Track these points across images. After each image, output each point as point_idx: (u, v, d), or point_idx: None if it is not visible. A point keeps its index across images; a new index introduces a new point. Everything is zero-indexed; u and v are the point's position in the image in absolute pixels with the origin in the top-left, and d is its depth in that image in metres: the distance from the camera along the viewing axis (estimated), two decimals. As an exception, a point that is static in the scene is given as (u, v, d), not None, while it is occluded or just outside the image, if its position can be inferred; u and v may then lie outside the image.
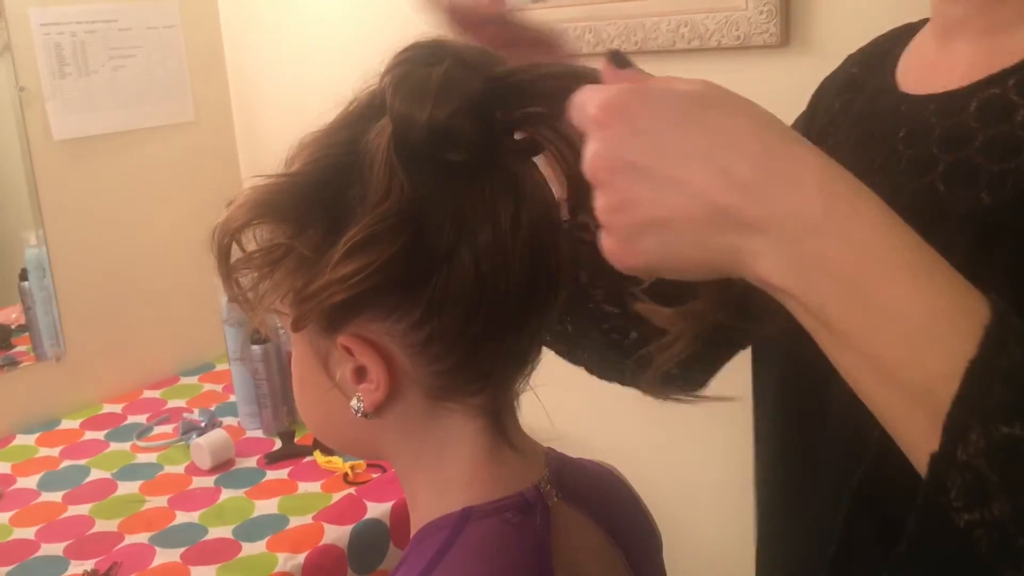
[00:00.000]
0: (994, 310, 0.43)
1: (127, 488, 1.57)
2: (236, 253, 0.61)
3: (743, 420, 0.84)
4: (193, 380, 2.03)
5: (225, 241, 0.59)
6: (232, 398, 1.88)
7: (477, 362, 0.56)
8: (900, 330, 0.43)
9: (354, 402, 0.60)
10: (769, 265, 0.45)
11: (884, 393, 0.45)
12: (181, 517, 1.47)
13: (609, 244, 0.49)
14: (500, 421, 0.62)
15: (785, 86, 1.32)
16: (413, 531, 0.63)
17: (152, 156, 2.00)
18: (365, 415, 0.60)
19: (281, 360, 1.74)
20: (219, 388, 1.98)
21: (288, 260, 0.58)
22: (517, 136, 0.58)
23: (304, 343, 0.62)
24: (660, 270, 0.50)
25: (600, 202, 0.49)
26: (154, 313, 2.02)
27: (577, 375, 0.89)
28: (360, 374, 0.60)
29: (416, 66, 0.56)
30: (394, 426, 0.62)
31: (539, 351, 0.63)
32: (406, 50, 0.58)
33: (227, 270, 0.60)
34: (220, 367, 2.06)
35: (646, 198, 0.47)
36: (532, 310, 0.59)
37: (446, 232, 0.56)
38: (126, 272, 1.97)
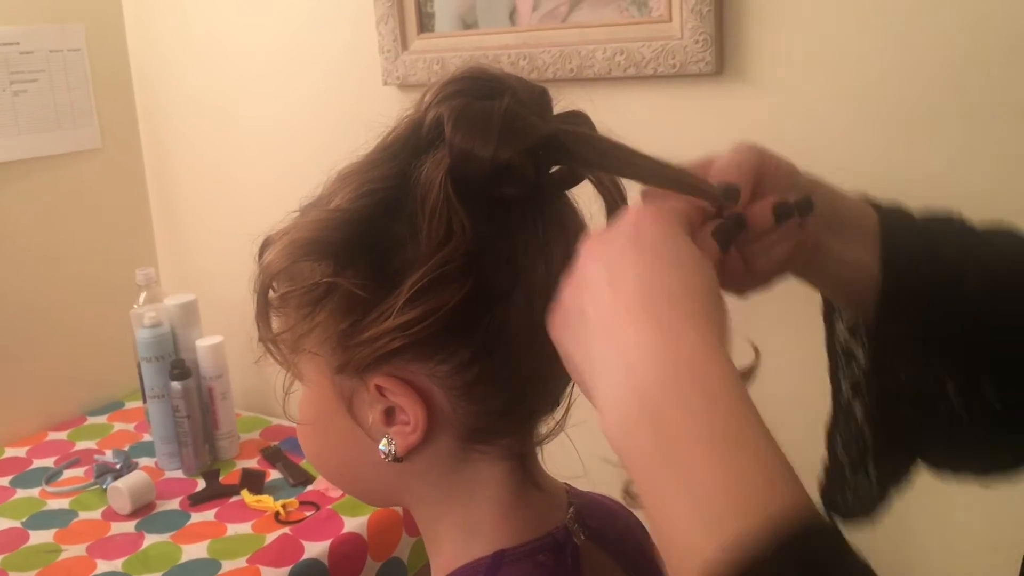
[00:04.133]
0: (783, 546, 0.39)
1: (40, 537, 1.47)
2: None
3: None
4: (101, 420, 1.93)
5: (267, 283, 0.57)
6: (146, 437, 1.79)
7: (523, 403, 0.55)
8: (692, 500, 0.41)
9: (383, 444, 0.57)
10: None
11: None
12: (103, 566, 1.38)
13: None
14: (526, 462, 0.61)
15: (719, 112, 1.36)
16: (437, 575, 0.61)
17: (56, 185, 1.90)
18: (397, 459, 0.57)
19: (202, 396, 1.67)
20: (131, 427, 1.88)
21: (330, 300, 0.55)
22: (554, 169, 0.58)
23: (324, 384, 0.59)
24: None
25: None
26: (57, 350, 1.91)
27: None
28: (390, 415, 0.57)
29: (473, 99, 0.54)
30: (421, 469, 0.59)
31: (570, 391, 0.62)
32: (456, 80, 0.56)
33: (264, 311, 0.58)
34: (130, 405, 1.96)
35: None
36: None
37: (503, 271, 0.54)
38: (26, 307, 1.86)
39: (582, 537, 0.62)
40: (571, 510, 0.63)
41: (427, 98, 0.56)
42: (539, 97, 0.57)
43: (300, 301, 0.56)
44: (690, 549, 0.40)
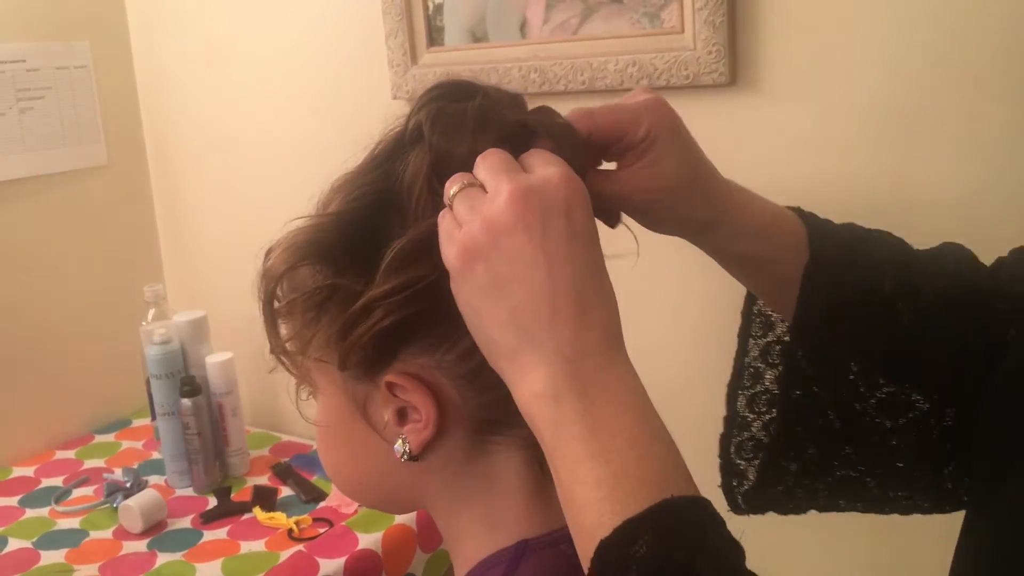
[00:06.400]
0: (657, 507, 0.47)
1: (51, 557, 1.45)
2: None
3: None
4: (109, 438, 1.92)
5: (271, 288, 0.58)
6: (156, 455, 1.78)
7: None
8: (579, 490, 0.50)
9: (399, 445, 0.59)
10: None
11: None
12: (116, 586, 1.37)
13: None
14: (540, 452, 0.61)
15: (733, 122, 1.35)
16: (460, 571, 0.62)
17: (62, 202, 1.89)
18: (412, 458, 0.59)
19: (213, 413, 1.66)
20: (139, 445, 1.87)
21: (332, 303, 0.57)
22: None
23: (337, 392, 0.61)
24: None
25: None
26: (63, 368, 1.90)
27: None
28: (403, 415, 0.59)
29: (449, 102, 0.58)
30: (438, 467, 0.61)
31: None
32: (434, 88, 0.60)
33: (272, 318, 0.60)
34: (138, 423, 1.95)
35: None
36: None
37: None
38: (33, 326, 1.85)
39: None
40: None
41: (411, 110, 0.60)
42: (513, 98, 0.61)
43: (305, 306, 0.58)
44: (596, 522, 0.47)
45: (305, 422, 0.66)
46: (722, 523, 0.49)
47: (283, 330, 0.61)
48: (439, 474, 0.61)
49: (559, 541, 0.60)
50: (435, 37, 1.55)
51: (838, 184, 1.29)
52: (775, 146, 1.32)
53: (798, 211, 0.72)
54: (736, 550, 0.48)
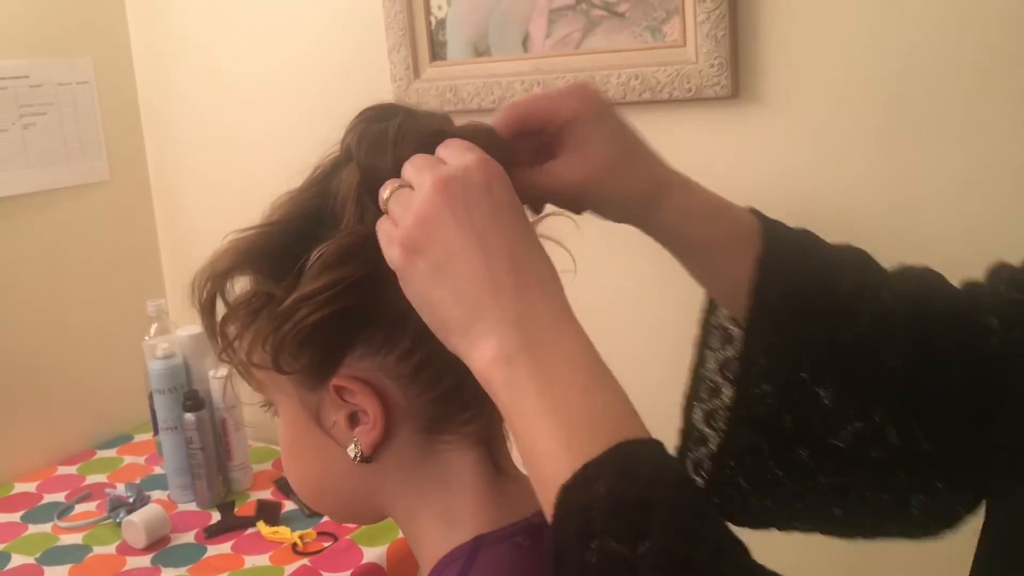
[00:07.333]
0: (613, 449, 0.49)
1: (55, 573, 1.45)
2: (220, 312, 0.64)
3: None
4: (111, 453, 1.91)
5: (209, 289, 0.62)
6: (158, 470, 1.78)
7: (468, 386, 0.57)
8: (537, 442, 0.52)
9: (351, 448, 0.62)
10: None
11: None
12: (121, 601, 1.37)
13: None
14: (493, 451, 0.65)
15: (735, 135, 1.36)
16: (424, 571, 0.65)
17: (64, 218, 1.89)
18: (365, 460, 0.62)
19: (216, 428, 1.66)
20: (141, 460, 1.86)
21: (268, 309, 0.61)
22: None
23: (292, 403, 0.65)
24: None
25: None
26: (65, 384, 1.90)
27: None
28: (354, 420, 0.62)
29: (374, 122, 0.62)
30: (392, 469, 0.64)
31: None
32: (362, 113, 0.64)
33: (211, 323, 0.63)
34: (140, 438, 1.95)
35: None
36: None
37: None
38: (35, 341, 1.85)
39: None
40: None
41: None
42: (439, 115, 0.65)
43: (244, 312, 0.62)
44: (556, 470, 0.49)
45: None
46: (675, 461, 0.51)
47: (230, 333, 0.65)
48: (395, 475, 0.64)
49: (514, 533, 0.63)
50: (437, 52, 1.56)
51: (840, 196, 1.29)
52: (777, 158, 1.33)
53: (750, 208, 0.72)
54: (690, 484, 0.50)
